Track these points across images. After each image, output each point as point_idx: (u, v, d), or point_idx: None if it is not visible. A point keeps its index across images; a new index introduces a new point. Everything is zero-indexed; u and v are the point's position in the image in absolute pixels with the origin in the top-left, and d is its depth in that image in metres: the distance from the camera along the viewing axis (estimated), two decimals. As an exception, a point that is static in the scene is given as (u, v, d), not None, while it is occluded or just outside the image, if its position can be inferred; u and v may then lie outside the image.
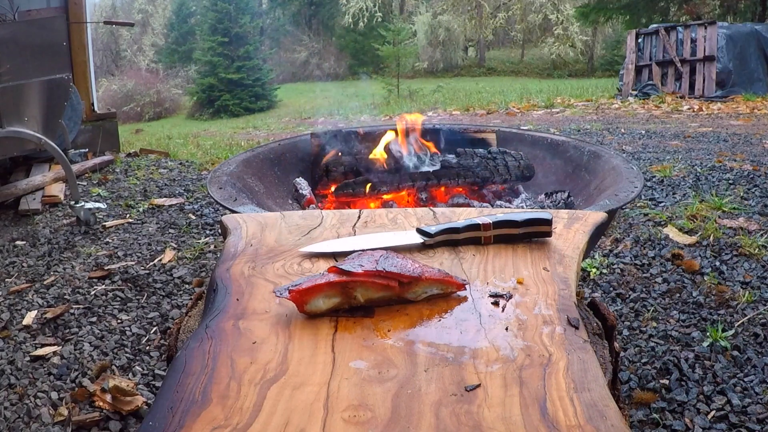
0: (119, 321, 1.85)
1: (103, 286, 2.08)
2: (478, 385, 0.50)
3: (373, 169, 2.42)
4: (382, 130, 2.75)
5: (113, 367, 1.60)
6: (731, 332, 1.61)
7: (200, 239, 2.59)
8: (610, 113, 6.89)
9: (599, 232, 0.98)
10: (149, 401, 1.43)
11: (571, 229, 0.88)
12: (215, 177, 2.21)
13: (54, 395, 1.48)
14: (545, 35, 22.32)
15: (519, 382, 0.50)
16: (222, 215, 1.02)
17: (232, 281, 0.72)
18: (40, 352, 1.66)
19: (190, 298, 1.76)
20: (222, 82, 18.27)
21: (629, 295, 1.89)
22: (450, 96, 12.63)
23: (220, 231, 1.93)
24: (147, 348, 1.72)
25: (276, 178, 2.56)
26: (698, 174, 3.21)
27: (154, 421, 0.46)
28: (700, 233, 2.28)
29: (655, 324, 1.70)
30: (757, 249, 2.09)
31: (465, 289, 0.68)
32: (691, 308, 1.77)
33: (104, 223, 2.79)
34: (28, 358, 1.64)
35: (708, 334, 1.60)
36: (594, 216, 0.96)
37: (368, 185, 2.34)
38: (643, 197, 2.84)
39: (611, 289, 1.95)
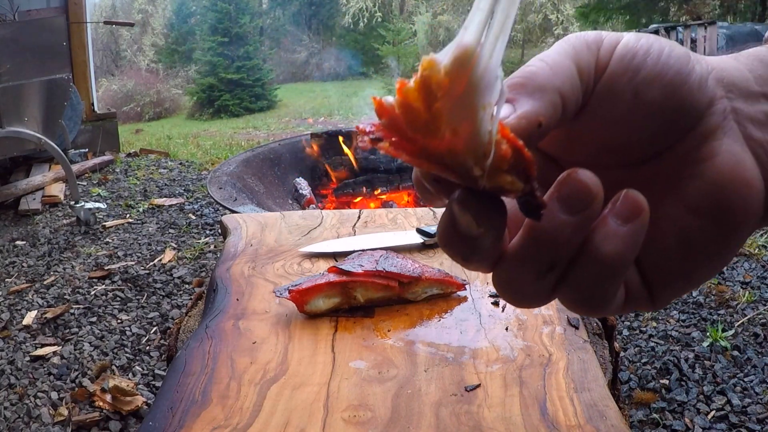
0: (119, 321, 1.85)
1: (103, 286, 2.08)
2: (478, 385, 0.50)
3: (373, 169, 2.42)
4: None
5: (113, 367, 1.60)
6: (731, 332, 1.61)
7: (200, 239, 2.59)
8: (610, 113, 6.89)
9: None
10: (149, 401, 1.43)
11: (571, 229, 0.88)
12: (215, 177, 2.21)
13: (54, 395, 1.48)
14: (545, 35, 22.31)
15: (519, 382, 0.50)
16: (222, 215, 1.02)
17: (232, 281, 0.72)
18: (40, 352, 1.66)
19: (190, 298, 1.76)
20: (222, 82, 18.24)
21: (629, 295, 1.89)
22: (450, 96, 12.62)
23: (220, 231, 1.93)
24: (147, 348, 1.72)
25: (276, 178, 2.56)
26: (698, 174, 3.21)
27: (154, 421, 0.46)
28: (700, 233, 2.28)
29: (655, 324, 1.70)
30: (757, 249, 2.09)
31: (465, 289, 0.68)
32: (691, 308, 1.77)
33: (104, 223, 2.79)
34: (28, 358, 1.64)
35: (708, 334, 1.60)
36: (594, 216, 0.95)
37: (368, 185, 2.34)
38: (643, 197, 2.84)
39: (611, 289, 1.95)
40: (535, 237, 0.27)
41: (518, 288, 0.29)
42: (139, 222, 2.83)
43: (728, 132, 0.30)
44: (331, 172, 2.41)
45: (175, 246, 2.49)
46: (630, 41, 0.29)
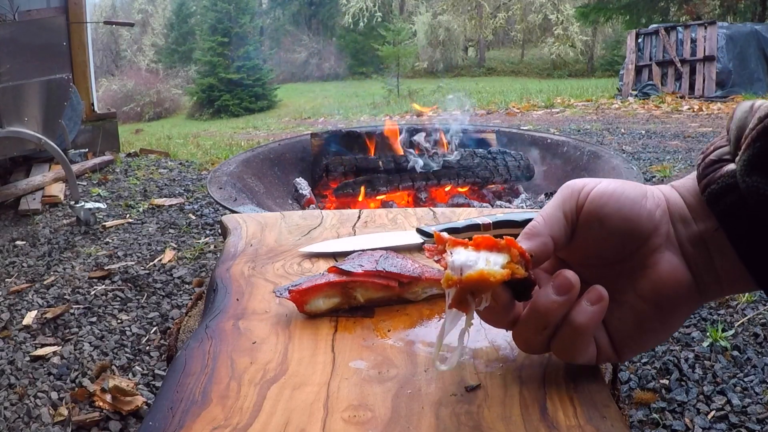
0: (119, 321, 1.85)
1: (103, 286, 2.08)
2: (478, 385, 0.50)
3: (374, 169, 2.42)
4: (382, 130, 2.75)
5: (113, 367, 1.61)
6: (731, 332, 1.61)
7: (200, 239, 2.59)
8: (610, 113, 6.90)
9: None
10: (149, 401, 1.43)
11: (571, 229, 0.88)
12: (215, 177, 2.21)
13: (54, 395, 1.48)
14: (545, 35, 22.31)
15: (519, 382, 0.50)
16: (222, 215, 1.02)
17: (232, 281, 0.72)
18: (40, 352, 1.66)
19: (190, 298, 1.76)
20: (222, 82, 18.27)
21: (629, 295, 1.89)
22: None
23: (220, 231, 1.93)
24: (147, 348, 1.72)
25: (276, 178, 2.56)
26: (698, 174, 3.20)
27: (154, 421, 0.46)
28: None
29: (655, 324, 1.70)
30: (757, 249, 2.09)
31: (465, 289, 0.68)
32: (691, 308, 1.77)
33: (104, 223, 2.79)
34: (28, 358, 1.64)
35: (708, 334, 1.60)
36: (594, 216, 0.95)
37: (367, 185, 2.33)
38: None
39: (611, 289, 1.95)
40: (535, 309, 0.45)
41: (525, 339, 0.47)
42: (139, 222, 2.84)
43: (669, 247, 0.46)
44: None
45: (175, 246, 2.49)
46: (602, 188, 0.46)
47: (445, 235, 0.47)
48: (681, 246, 0.46)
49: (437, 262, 0.46)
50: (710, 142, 0.48)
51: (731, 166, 0.44)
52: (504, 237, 0.45)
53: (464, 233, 0.82)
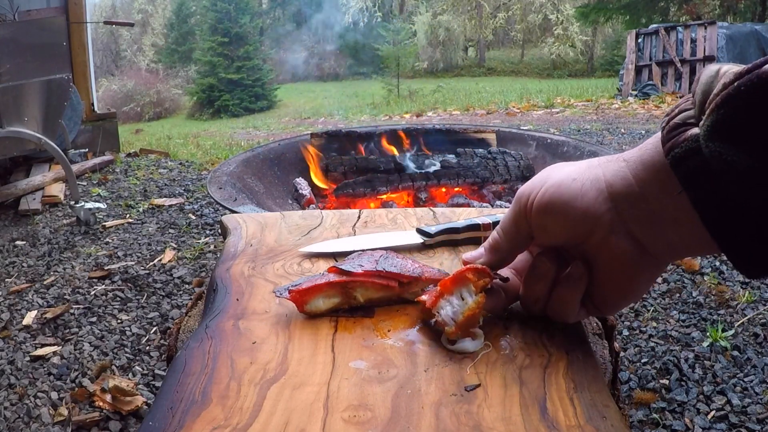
0: (119, 321, 1.85)
1: (103, 286, 2.08)
2: (478, 385, 0.50)
3: (373, 169, 2.42)
4: (381, 130, 2.75)
5: (113, 367, 1.61)
6: (731, 332, 1.61)
7: (200, 239, 2.59)
8: (610, 113, 6.90)
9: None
10: (149, 401, 1.43)
11: (571, 229, 0.88)
12: (215, 177, 2.21)
13: (54, 395, 1.48)
14: (545, 35, 22.30)
15: (519, 382, 0.50)
16: (222, 215, 1.02)
17: (232, 281, 0.72)
18: (40, 352, 1.66)
19: (190, 298, 1.76)
20: (222, 82, 18.26)
21: (629, 295, 1.89)
22: (450, 96, 12.63)
23: (220, 231, 1.93)
24: (147, 348, 1.72)
25: (276, 178, 2.56)
26: (698, 174, 3.20)
27: (154, 421, 0.46)
28: (700, 233, 2.28)
29: (655, 324, 1.71)
30: (757, 249, 2.09)
31: (465, 289, 0.68)
32: (691, 308, 1.77)
33: (104, 223, 2.79)
34: (28, 358, 1.64)
35: (708, 334, 1.60)
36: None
37: (368, 185, 2.33)
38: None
39: (611, 289, 1.95)
40: (526, 287, 0.58)
41: (527, 309, 0.60)
42: (139, 222, 2.84)
43: (614, 232, 0.51)
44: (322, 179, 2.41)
45: (175, 246, 2.49)
46: (540, 199, 0.53)
47: (424, 297, 0.58)
48: (627, 226, 0.50)
49: (435, 324, 0.57)
50: (675, 105, 0.48)
51: (695, 131, 0.44)
52: (453, 272, 0.57)
53: (464, 233, 0.82)
